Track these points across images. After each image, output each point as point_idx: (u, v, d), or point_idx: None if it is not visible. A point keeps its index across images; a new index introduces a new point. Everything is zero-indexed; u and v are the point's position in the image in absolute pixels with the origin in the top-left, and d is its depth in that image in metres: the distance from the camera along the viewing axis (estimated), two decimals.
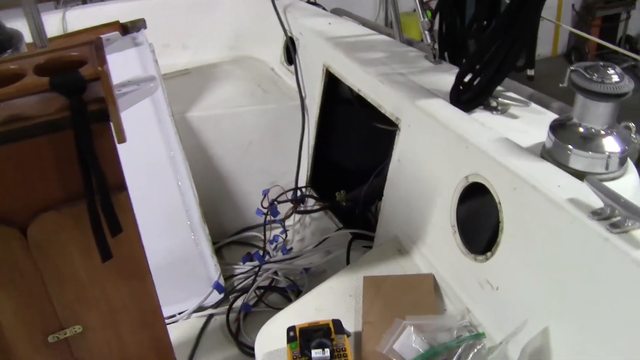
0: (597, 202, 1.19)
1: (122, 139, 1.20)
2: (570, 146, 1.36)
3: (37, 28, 1.44)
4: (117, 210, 1.26)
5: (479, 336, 1.36)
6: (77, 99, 1.13)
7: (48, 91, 1.13)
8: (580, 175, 1.33)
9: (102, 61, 1.15)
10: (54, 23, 2.61)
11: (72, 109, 1.14)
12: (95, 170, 1.19)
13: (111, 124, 1.20)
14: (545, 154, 1.42)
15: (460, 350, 1.32)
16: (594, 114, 1.36)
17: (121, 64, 1.54)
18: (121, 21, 2.14)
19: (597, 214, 1.17)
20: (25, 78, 1.15)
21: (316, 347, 1.34)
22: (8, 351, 1.42)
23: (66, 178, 1.26)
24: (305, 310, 1.56)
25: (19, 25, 1.49)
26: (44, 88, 1.13)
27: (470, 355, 1.31)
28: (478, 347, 1.33)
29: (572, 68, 1.37)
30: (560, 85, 1.39)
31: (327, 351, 1.33)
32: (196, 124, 2.54)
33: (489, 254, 1.44)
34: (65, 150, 1.20)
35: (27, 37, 1.47)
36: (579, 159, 1.36)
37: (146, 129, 2.28)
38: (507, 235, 1.39)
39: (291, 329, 1.40)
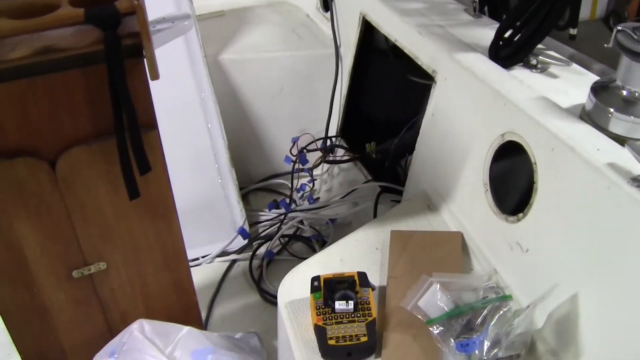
0: (637, 168, 1.15)
1: (155, 76, 1.18)
2: (611, 109, 1.32)
3: None
4: (147, 149, 1.26)
5: (505, 298, 1.34)
6: (111, 32, 1.11)
7: (82, 23, 1.11)
8: (620, 139, 1.28)
9: None
10: None
11: (106, 42, 1.12)
12: (127, 107, 1.17)
13: (145, 59, 1.18)
14: (585, 116, 1.38)
15: (485, 311, 1.30)
16: (639, 77, 1.31)
17: (155, 2, 1.52)
18: None
19: (637, 180, 1.13)
20: (59, 9, 1.13)
21: (340, 299, 1.33)
22: (32, 284, 1.43)
23: (97, 113, 1.25)
24: (330, 260, 1.55)
25: None
26: (78, 20, 1.11)
27: (496, 317, 1.29)
28: (504, 309, 1.30)
29: (618, 27, 1.32)
30: (606, 45, 1.34)
31: (351, 303, 1.32)
32: (228, 67, 2.51)
33: (520, 215, 1.41)
34: (97, 85, 1.19)
35: None
36: (619, 123, 1.31)
37: (178, 69, 2.26)
38: (540, 197, 1.35)
39: (315, 278, 1.39)
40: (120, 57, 1.13)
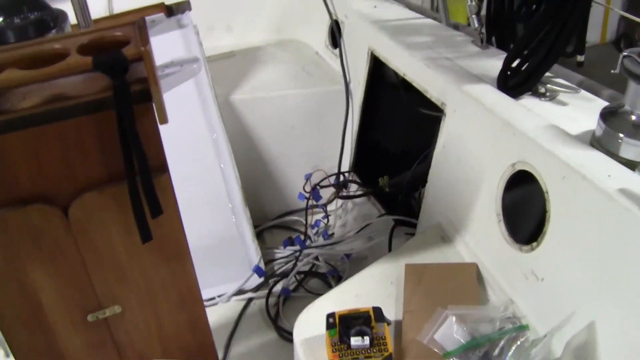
0: None
1: (164, 120, 1.19)
2: (621, 134, 1.32)
3: (82, 8, 1.44)
4: (158, 192, 1.26)
5: (522, 328, 1.33)
6: (119, 78, 1.12)
7: (91, 71, 1.13)
8: (631, 164, 1.28)
9: (145, 41, 1.14)
10: (99, 4, 2.61)
11: (114, 88, 1.13)
12: (137, 151, 1.18)
13: (153, 104, 1.19)
14: (595, 142, 1.38)
15: (503, 342, 1.29)
16: None
17: (165, 46, 1.54)
18: (166, 3, 2.14)
19: None
20: (68, 57, 1.15)
21: (356, 335, 1.32)
22: (48, 329, 1.43)
23: (108, 158, 1.26)
24: (345, 296, 1.54)
25: (64, 5, 1.49)
26: (87, 67, 1.12)
27: (513, 348, 1.28)
28: (521, 339, 1.30)
29: (624, 53, 1.32)
30: (612, 71, 1.35)
31: (367, 339, 1.31)
32: (239, 107, 2.53)
33: (534, 244, 1.40)
34: (108, 131, 1.20)
35: (72, 18, 1.47)
36: (630, 148, 1.31)
37: (189, 111, 2.28)
38: (554, 226, 1.35)
39: (331, 315, 1.39)
40: (129, 103, 1.14)
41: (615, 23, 6.81)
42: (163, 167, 1.31)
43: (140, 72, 1.17)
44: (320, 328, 1.39)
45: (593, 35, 6.69)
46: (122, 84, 1.13)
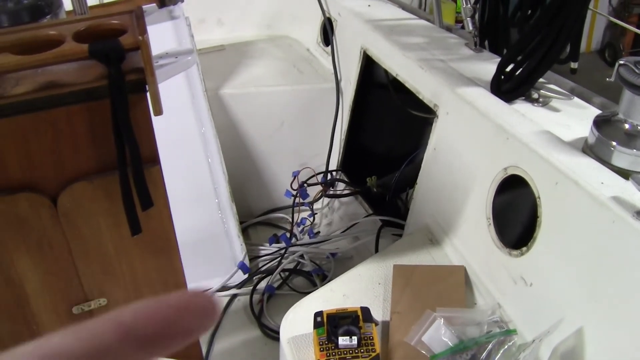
0: None
1: (159, 111, 1.18)
2: (614, 142, 1.32)
3: None
4: (149, 184, 1.25)
5: (509, 332, 1.33)
6: (115, 67, 1.11)
7: (86, 58, 1.11)
8: (623, 173, 1.28)
9: (143, 30, 1.13)
10: None
11: (110, 77, 1.12)
12: (130, 142, 1.17)
13: (148, 95, 1.18)
14: (588, 149, 1.38)
15: (490, 345, 1.29)
16: None
17: (157, 37, 1.52)
18: None
19: None
20: (63, 44, 1.14)
21: (343, 334, 1.31)
22: (32, 320, 1.42)
23: (99, 148, 1.25)
24: (333, 295, 1.54)
25: None
26: (82, 55, 1.11)
27: (501, 352, 1.28)
28: (509, 343, 1.29)
29: (620, 62, 1.32)
30: (608, 79, 1.35)
31: (355, 339, 1.31)
32: (229, 102, 2.52)
33: (524, 249, 1.40)
34: (100, 120, 1.19)
35: (67, 4, 1.45)
36: (623, 157, 1.31)
37: (179, 103, 2.26)
38: (544, 231, 1.35)
39: (318, 314, 1.38)
40: (123, 93, 1.13)
41: (600, 33, 6.87)
42: (155, 159, 1.30)
43: (135, 61, 1.16)
44: (307, 327, 1.38)
45: None
46: (117, 72, 1.12)
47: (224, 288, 2.32)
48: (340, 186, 2.53)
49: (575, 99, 1.66)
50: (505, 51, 1.90)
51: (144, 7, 1.99)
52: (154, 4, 2.05)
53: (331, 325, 1.34)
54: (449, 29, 2.23)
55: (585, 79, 1.76)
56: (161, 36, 2.19)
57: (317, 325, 1.36)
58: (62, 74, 1.16)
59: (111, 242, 1.38)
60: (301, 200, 2.45)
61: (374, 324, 1.36)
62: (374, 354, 1.29)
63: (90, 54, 1.10)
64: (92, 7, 1.80)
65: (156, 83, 1.16)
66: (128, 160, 1.20)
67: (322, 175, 2.48)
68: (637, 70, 1.29)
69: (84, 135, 1.22)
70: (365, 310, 1.38)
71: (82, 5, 1.39)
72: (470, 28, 1.97)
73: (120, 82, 1.13)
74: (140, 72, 1.15)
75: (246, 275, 2.34)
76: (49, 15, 1.34)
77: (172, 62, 1.32)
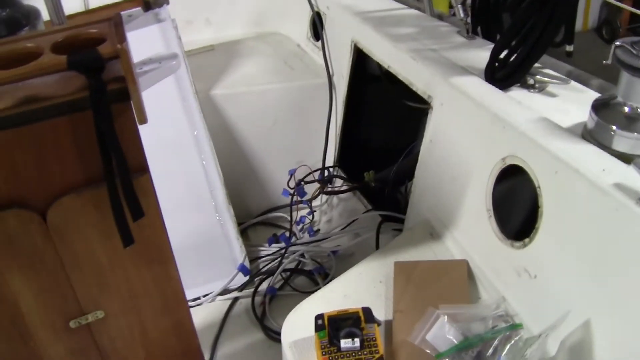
0: None
1: (143, 120, 1.15)
2: (614, 127, 1.29)
3: (55, 4, 1.39)
4: (139, 193, 1.22)
5: (516, 327, 1.30)
6: (95, 78, 1.08)
7: (66, 70, 1.08)
8: (624, 157, 1.25)
9: (122, 38, 1.10)
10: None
11: (90, 88, 1.09)
12: (116, 152, 1.14)
13: (132, 103, 1.15)
14: (587, 134, 1.35)
15: (496, 341, 1.26)
16: None
17: (143, 41, 1.49)
18: None
19: None
20: (42, 57, 1.10)
21: (345, 337, 1.29)
22: (28, 337, 1.39)
23: (86, 160, 1.22)
24: (334, 296, 1.51)
25: (36, 1, 1.44)
26: (61, 67, 1.08)
27: (507, 347, 1.25)
28: (515, 338, 1.27)
29: (617, 43, 1.29)
30: (605, 62, 1.32)
31: (357, 341, 1.28)
32: (221, 102, 2.49)
33: (526, 240, 1.37)
34: (85, 132, 1.16)
35: (45, 15, 1.42)
36: (623, 140, 1.28)
37: (169, 107, 2.23)
38: (546, 221, 1.32)
39: (319, 317, 1.35)
40: (106, 103, 1.10)
41: (597, 10, 6.80)
42: (143, 168, 1.27)
43: (117, 70, 1.12)
44: (309, 329, 1.36)
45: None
46: (98, 83, 1.09)
47: (225, 291, 2.30)
48: (338, 182, 2.50)
49: (573, 82, 1.63)
50: (498, 37, 1.86)
51: (129, 11, 1.97)
52: (139, 8, 2.02)
53: (332, 328, 1.31)
54: (440, 17, 2.19)
55: (584, 58, 1.73)
56: (148, 40, 2.17)
57: (318, 328, 1.33)
58: (43, 87, 1.13)
59: (104, 254, 1.36)
60: (299, 199, 2.42)
61: (376, 325, 1.33)
62: (377, 356, 1.27)
63: (69, 65, 1.07)
64: (73, 15, 1.78)
65: (139, 91, 1.12)
66: (116, 170, 1.17)
67: (318, 172, 2.45)
68: (634, 52, 1.25)
69: (69, 148, 1.19)
70: (367, 311, 1.36)
71: (59, 15, 1.35)
72: (462, 15, 1.94)
73: (102, 92, 1.09)
74: (122, 81, 1.11)
75: (247, 277, 2.32)
76: (26, 27, 1.32)
77: (155, 67, 1.29)
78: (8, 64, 1.08)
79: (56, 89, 1.13)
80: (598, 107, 1.34)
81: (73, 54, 1.07)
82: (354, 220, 2.41)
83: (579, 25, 6.75)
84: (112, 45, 1.09)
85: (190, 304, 1.58)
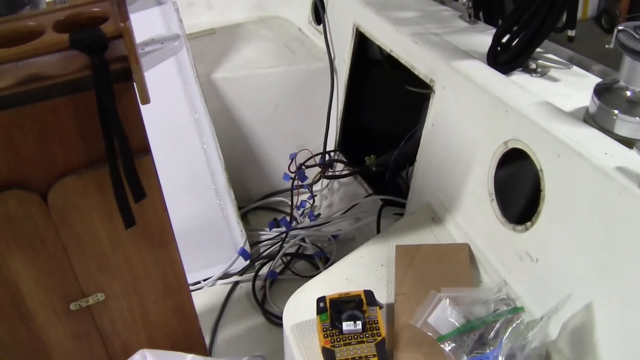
0: None
1: (146, 100, 1.14)
2: (616, 111, 1.28)
3: None
4: (141, 175, 1.22)
5: (517, 310, 1.30)
6: (98, 57, 1.07)
7: (68, 49, 1.08)
8: (627, 142, 1.25)
9: (125, 17, 1.09)
10: None
11: (93, 67, 1.08)
12: (118, 133, 1.13)
13: (134, 83, 1.14)
14: (589, 119, 1.35)
15: (498, 324, 1.26)
16: None
17: (144, 24, 1.49)
18: None
19: None
20: (44, 35, 1.10)
21: (347, 319, 1.29)
22: (29, 318, 1.39)
23: (88, 141, 1.21)
24: (335, 279, 1.51)
25: None
26: (63, 46, 1.07)
27: (509, 330, 1.25)
28: (517, 321, 1.26)
29: (619, 27, 1.28)
30: (607, 46, 1.31)
31: (359, 323, 1.28)
32: (222, 86, 2.48)
33: (528, 224, 1.37)
34: (87, 112, 1.16)
35: None
36: (625, 125, 1.27)
37: (170, 90, 2.23)
38: (548, 205, 1.32)
39: (321, 299, 1.35)
40: (108, 83, 1.09)
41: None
42: (145, 149, 1.26)
43: (119, 50, 1.12)
44: (310, 313, 1.36)
45: None
46: (101, 62, 1.08)
47: (225, 275, 2.30)
48: (339, 167, 2.50)
49: (575, 67, 1.62)
50: (500, 22, 1.85)
51: None
52: None
53: (334, 310, 1.31)
54: (442, 2, 2.18)
55: (584, 46, 1.72)
56: (149, 22, 2.16)
57: (320, 311, 1.33)
58: (45, 66, 1.12)
59: (106, 236, 1.35)
60: (300, 183, 2.42)
61: (378, 307, 1.33)
62: (379, 338, 1.27)
63: (72, 44, 1.06)
64: None
65: (141, 71, 1.12)
66: (118, 151, 1.17)
67: (319, 156, 2.44)
68: (636, 36, 1.25)
69: (71, 129, 1.19)
70: (369, 294, 1.36)
71: None
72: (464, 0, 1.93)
73: (104, 71, 1.09)
74: (124, 61, 1.11)
75: (247, 262, 2.32)
76: (28, 5, 1.31)
77: (158, 48, 1.28)
78: (9, 43, 1.07)
79: (58, 68, 1.12)
80: (600, 91, 1.34)
81: (75, 33, 1.06)
82: (354, 205, 2.40)
83: (578, 14, 6.69)
84: (115, 24, 1.09)
85: (190, 288, 1.58)
